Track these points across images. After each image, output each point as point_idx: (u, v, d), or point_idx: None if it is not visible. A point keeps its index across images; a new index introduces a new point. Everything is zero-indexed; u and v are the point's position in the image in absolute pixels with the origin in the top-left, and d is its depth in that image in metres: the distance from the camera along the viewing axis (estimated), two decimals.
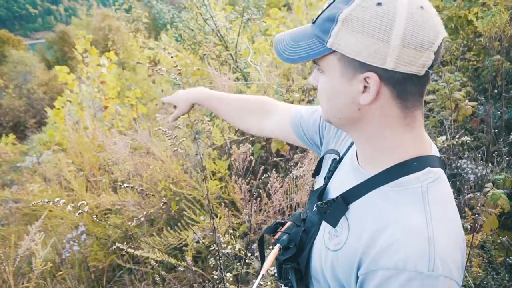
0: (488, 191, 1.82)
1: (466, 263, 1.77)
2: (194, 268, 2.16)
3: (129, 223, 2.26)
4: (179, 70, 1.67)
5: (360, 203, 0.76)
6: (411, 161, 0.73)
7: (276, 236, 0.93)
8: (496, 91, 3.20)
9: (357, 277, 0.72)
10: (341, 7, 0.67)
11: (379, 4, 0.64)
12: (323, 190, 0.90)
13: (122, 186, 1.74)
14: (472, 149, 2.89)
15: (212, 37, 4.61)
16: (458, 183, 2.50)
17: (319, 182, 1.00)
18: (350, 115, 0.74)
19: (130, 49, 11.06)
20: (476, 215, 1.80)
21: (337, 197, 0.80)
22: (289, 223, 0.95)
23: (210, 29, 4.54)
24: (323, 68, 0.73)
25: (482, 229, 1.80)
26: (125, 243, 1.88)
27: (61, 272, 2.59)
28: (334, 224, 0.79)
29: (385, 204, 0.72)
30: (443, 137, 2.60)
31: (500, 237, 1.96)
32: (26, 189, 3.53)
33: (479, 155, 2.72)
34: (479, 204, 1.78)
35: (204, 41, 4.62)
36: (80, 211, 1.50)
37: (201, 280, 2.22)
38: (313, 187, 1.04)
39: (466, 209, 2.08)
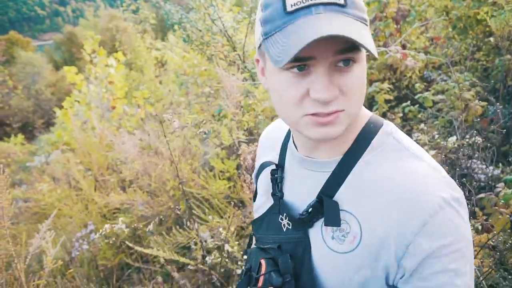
0: (500, 191, 1.80)
1: (478, 263, 1.76)
2: (203, 267, 2.17)
3: (139, 224, 2.28)
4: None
5: (347, 190, 0.72)
6: (367, 125, 0.75)
7: (260, 283, 0.77)
8: (506, 91, 3.17)
9: (404, 250, 0.66)
10: None
11: None
12: (280, 207, 0.82)
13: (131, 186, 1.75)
14: (482, 149, 2.86)
15: (219, 37, 4.62)
16: (468, 183, 2.49)
17: (261, 207, 0.90)
18: None
19: (138, 50, 11.11)
20: (487, 216, 1.79)
21: (317, 199, 0.74)
22: (263, 261, 0.80)
23: (217, 29, 4.55)
24: (360, 57, 0.65)
25: (493, 229, 1.78)
26: (134, 242, 1.89)
27: (70, 270, 2.61)
28: (337, 222, 0.71)
29: (376, 171, 0.71)
30: (454, 138, 2.59)
31: None
32: (36, 189, 3.56)
33: (489, 155, 2.70)
34: (490, 205, 1.77)
35: (212, 42, 4.63)
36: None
37: (209, 278, 2.23)
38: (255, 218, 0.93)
39: (477, 209, 2.06)
